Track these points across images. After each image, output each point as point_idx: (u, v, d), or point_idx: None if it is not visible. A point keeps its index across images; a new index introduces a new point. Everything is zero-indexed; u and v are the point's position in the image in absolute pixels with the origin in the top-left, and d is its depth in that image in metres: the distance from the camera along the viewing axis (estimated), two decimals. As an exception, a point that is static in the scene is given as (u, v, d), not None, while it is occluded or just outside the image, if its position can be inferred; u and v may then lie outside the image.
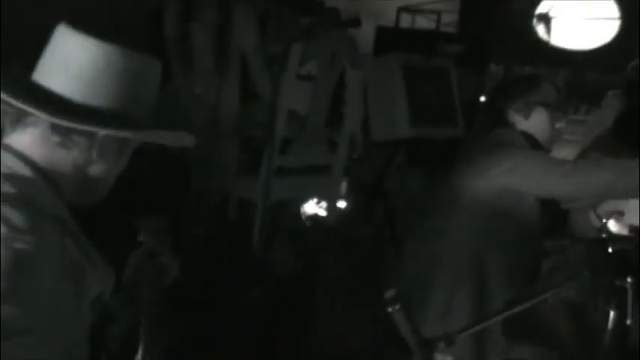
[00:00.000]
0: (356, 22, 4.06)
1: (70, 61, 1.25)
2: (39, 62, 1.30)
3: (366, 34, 4.75)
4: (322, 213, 4.20)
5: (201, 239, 3.75)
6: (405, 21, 5.75)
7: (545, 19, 5.47)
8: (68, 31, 1.27)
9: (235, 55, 3.70)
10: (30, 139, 1.25)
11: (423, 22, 5.80)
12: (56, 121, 1.22)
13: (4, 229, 1.11)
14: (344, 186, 4.17)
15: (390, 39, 4.92)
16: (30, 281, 1.11)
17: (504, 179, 2.20)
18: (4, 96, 1.21)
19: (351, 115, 3.97)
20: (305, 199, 4.24)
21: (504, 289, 2.18)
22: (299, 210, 4.32)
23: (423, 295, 2.25)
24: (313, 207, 4.26)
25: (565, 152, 3.00)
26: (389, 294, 1.29)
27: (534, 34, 5.43)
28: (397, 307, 1.29)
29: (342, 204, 4.20)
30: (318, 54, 3.76)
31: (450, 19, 5.83)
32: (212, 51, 3.65)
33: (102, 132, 1.26)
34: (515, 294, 2.10)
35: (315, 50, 3.72)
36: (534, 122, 2.35)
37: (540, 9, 5.49)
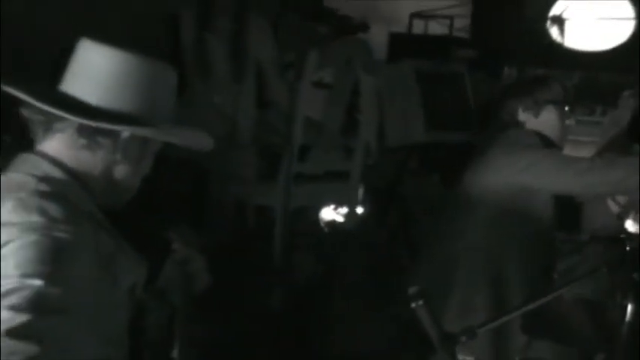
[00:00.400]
0: (364, 27, 4.10)
1: (94, 70, 1.35)
2: (65, 73, 1.38)
3: (378, 41, 4.78)
4: (339, 219, 4.22)
5: (220, 247, 3.78)
6: (418, 27, 5.78)
7: (559, 20, 5.47)
8: (91, 44, 1.37)
9: (251, 64, 3.74)
10: (59, 144, 1.35)
11: (436, 28, 5.82)
12: (83, 121, 1.31)
13: (43, 220, 1.20)
14: (361, 192, 4.19)
15: (403, 45, 4.95)
16: (68, 266, 1.18)
17: (519, 178, 2.23)
18: (36, 103, 1.31)
19: (366, 121, 4.00)
20: (322, 206, 4.27)
21: (521, 288, 2.20)
22: (316, 216, 4.35)
23: (441, 297, 2.28)
24: (331, 213, 4.29)
25: (581, 154, 3.01)
26: (412, 290, 1.32)
27: (548, 36, 5.43)
28: (420, 302, 1.32)
29: (359, 209, 4.22)
30: (332, 61, 3.80)
31: (462, 24, 5.85)
32: (228, 60, 3.70)
33: (125, 133, 1.34)
34: (532, 290, 2.12)
35: (330, 57, 3.75)
36: (544, 120, 2.38)
37: (554, 11, 5.49)
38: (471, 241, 2.31)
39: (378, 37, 4.74)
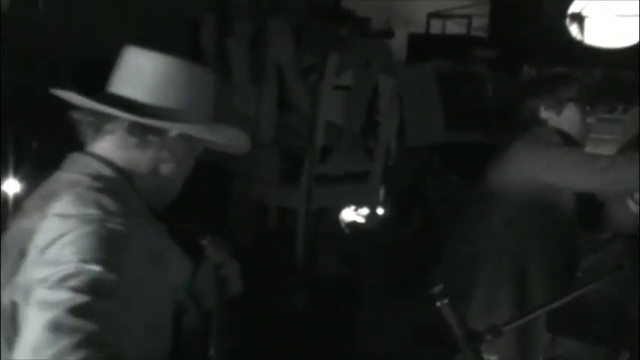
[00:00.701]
0: (389, 34, 4.11)
1: (142, 73, 1.42)
2: (112, 77, 1.46)
3: (397, 41, 4.79)
4: (360, 220, 4.24)
5: (243, 248, 3.81)
6: (436, 27, 5.78)
7: (579, 18, 5.43)
8: (138, 49, 1.45)
9: (271, 67, 3.77)
10: (109, 145, 1.42)
11: (454, 28, 5.82)
12: (137, 119, 1.38)
13: (99, 212, 1.26)
14: (381, 192, 4.21)
15: (421, 45, 4.95)
16: (121, 256, 1.24)
17: (541, 176, 2.24)
18: (90, 104, 1.38)
19: (385, 122, 4.02)
20: (343, 207, 4.29)
21: (545, 286, 2.21)
22: (337, 217, 4.37)
23: (464, 295, 2.29)
24: (351, 214, 4.31)
25: (602, 152, 3.00)
26: (437, 289, 1.34)
27: (567, 34, 5.40)
28: (445, 301, 1.33)
29: (379, 210, 4.24)
30: (352, 63, 3.81)
31: (480, 24, 5.84)
32: (248, 63, 3.73)
33: (173, 131, 1.41)
34: (555, 287, 2.12)
35: (350, 60, 3.77)
36: (566, 118, 2.39)
37: (573, 8, 5.46)
38: (494, 240, 2.32)
39: (396, 38, 4.75)
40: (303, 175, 3.61)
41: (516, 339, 2.18)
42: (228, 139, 1.50)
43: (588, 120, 2.43)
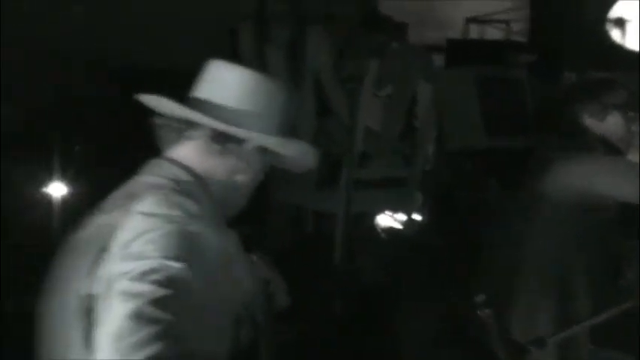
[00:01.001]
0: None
1: (225, 84, 1.48)
2: (195, 88, 1.51)
3: (435, 47, 4.78)
4: (397, 225, 4.23)
5: (280, 253, 3.84)
6: (474, 31, 5.74)
7: (620, 22, 5.35)
8: (220, 62, 1.52)
9: (310, 74, 3.80)
10: (189, 151, 1.46)
11: (493, 33, 5.78)
12: (225, 127, 1.42)
13: (182, 214, 1.31)
14: (419, 197, 4.20)
15: (460, 50, 4.93)
16: (199, 257, 1.28)
17: (582, 184, 2.21)
18: (182, 111, 1.43)
19: (424, 128, 4.01)
20: (380, 212, 4.29)
21: (588, 292, 2.19)
22: (374, 222, 4.37)
23: (506, 301, 2.27)
24: (388, 219, 4.30)
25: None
26: (479, 298, 1.33)
27: (608, 38, 5.32)
28: (487, 310, 1.33)
29: (417, 215, 4.23)
30: (391, 69, 3.82)
31: (519, 28, 5.79)
32: (286, 70, 3.76)
33: (254, 141, 1.45)
34: (599, 296, 2.10)
35: (389, 66, 3.78)
36: (609, 125, 2.34)
37: (613, 12, 5.38)
38: (534, 247, 2.30)
39: (434, 43, 4.74)
40: (341, 180, 3.63)
41: (558, 350, 2.16)
42: (301, 153, 1.53)
43: (633, 128, 2.39)
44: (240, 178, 1.49)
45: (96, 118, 3.55)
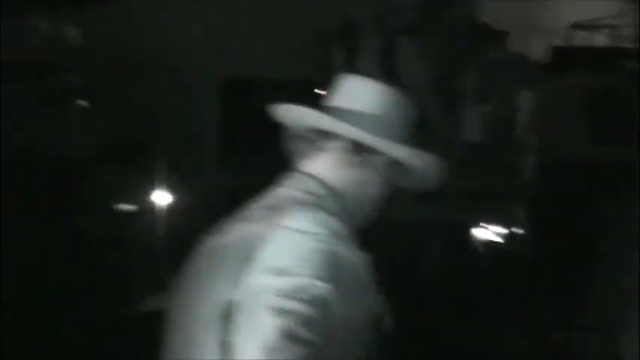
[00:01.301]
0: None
1: (361, 98, 1.49)
2: (328, 102, 1.51)
3: (539, 54, 4.66)
4: (496, 238, 4.14)
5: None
6: (579, 38, 5.54)
7: None
8: (354, 76, 1.53)
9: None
10: (323, 163, 1.45)
11: (599, 39, 5.56)
12: (372, 141, 1.41)
13: (328, 233, 1.30)
14: (520, 211, 4.10)
15: (565, 58, 4.78)
16: (341, 279, 1.27)
17: None
18: (329, 123, 1.43)
19: (526, 137, 3.91)
20: (479, 224, 4.21)
21: None
22: (471, 234, 4.29)
23: (612, 329, 2.18)
24: (487, 232, 4.21)
25: None
26: (587, 320, 1.28)
27: None
28: (594, 333, 1.28)
29: (516, 228, 4.12)
30: (492, 79, 3.75)
31: (628, 34, 5.55)
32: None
33: (394, 152, 1.43)
34: None
35: (489, 76, 3.71)
36: None
37: None
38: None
39: (538, 50, 4.62)
40: (439, 191, 3.58)
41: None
42: (431, 168, 1.50)
43: None
44: (372, 191, 1.47)
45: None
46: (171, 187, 3.34)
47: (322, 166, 1.45)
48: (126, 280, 3.03)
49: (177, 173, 3.43)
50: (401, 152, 1.44)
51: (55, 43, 2.93)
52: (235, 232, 1.38)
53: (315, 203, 1.37)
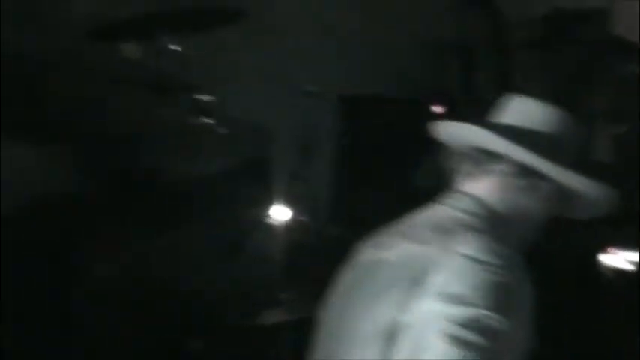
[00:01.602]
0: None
1: (532, 121, 1.45)
2: (494, 123, 1.49)
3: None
4: (628, 265, 3.92)
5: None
6: None
7: None
8: (522, 98, 1.53)
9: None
10: (488, 185, 1.43)
11: None
12: (549, 167, 1.39)
13: (501, 263, 1.30)
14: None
15: None
16: (510, 312, 1.27)
17: None
18: (502, 145, 1.40)
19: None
20: (606, 250, 4.01)
21: None
22: (597, 260, 4.09)
23: None
24: (616, 258, 4.00)
25: None
26: None
27: None
28: None
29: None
30: (630, 101, 3.56)
31: None
32: (497, 96, 3.64)
33: (563, 178, 1.41)
34: None
35: (628, 97, 3.53)
36: None
37: None
38: None
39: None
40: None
41: None
42: (599, 196, 1.46)
43: None
44: (536, 216, 1.44)
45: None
46: (292, 202, 3.38)
47: (486, 187, 1.42)
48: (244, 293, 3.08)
49: (297, 187, 3.47)
50: (574, 181, 1.39)
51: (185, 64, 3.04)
52: (401, 250, 1.37)
53: (483, 229, 1.34)
